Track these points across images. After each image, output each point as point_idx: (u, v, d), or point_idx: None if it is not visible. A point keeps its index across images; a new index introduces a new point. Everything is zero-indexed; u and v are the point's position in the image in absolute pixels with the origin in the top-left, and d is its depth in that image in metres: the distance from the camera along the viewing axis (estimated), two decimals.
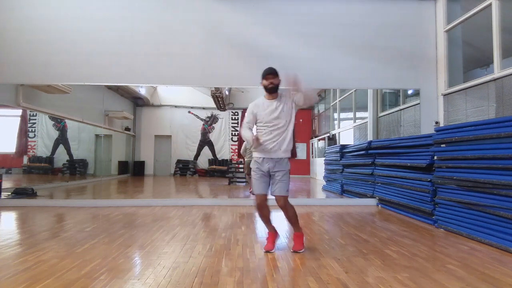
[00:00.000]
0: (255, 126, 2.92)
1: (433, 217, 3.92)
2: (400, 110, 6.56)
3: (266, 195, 2.86)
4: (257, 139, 2.75)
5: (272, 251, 2.82)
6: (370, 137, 7.52)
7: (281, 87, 2.86)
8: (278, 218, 4.38)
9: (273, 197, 2.84)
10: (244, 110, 13.73)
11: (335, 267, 2.40)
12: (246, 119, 2.93)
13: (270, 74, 2.81)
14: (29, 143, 9.99)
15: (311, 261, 2.55)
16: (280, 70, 5.52)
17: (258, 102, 2.89)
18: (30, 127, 9.98)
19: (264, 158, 2.81)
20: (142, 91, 12.87)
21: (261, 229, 3.70)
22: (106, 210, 4.89)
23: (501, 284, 2.12)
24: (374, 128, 7.63)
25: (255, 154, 2.87)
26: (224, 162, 13.66)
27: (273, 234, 2.95)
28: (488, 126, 3.28)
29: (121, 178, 11.91)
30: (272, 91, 2.83)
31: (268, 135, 2.79)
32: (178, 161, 13.75)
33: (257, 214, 2.99)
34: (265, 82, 2.82)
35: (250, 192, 7.31)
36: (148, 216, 4.39)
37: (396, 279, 2.18)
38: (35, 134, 10.11)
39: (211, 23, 5.52)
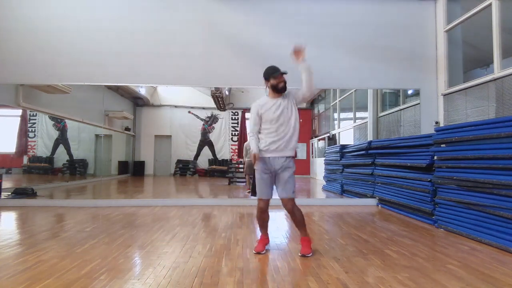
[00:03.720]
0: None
1: (433, 217, 3.92)
2: (400, 110, 6.56)
3: (269, 199, 2.80)
4: (255, 157, 2.70)
5: (263, 252, 2.77)
6: (370, 137, 7.52)
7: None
8: (279, 218, 4.38)
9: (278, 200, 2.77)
10: (244, 110, 13.78)
11: (335, 267, 2.40)
12: (252, 123, 2.81)
13: (280, 73, 2.74)
14: (29, 143, 9.98)
15: (311, 261, 2.55)
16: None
17: (261, 102, 2.80)
18: (30, 127, 9.97)
19: (270, 157, 2.73)
20: (142, 91, 12.87)
21: None
22: (106, 210, 4.89)
23: (501, 284, 2.12)
24: (374, 128, 7.63)
25: (262, 154, 2.76)
26: (224, 162, 13.66)
27: (266, 238, 2.90)
28: (488, 126, 3.28)
29: (121, 178, 11.91)
30: (283, 90, 2.76)
31: (274, 133, 2.72)
32: (178, 161, 13.76)
33: (256, 218, 2.93)
34: (274, 81, 2.73)
35: (248, 192, 7.33)
36: (148, 216, 4.39)
37: (396, 279, 2.18)
38: (35, 134, 10.11)
39: (211, 23, 5.51)
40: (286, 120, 2.73)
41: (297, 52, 2.77)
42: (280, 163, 2.72)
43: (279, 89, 2.75)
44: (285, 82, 2.77)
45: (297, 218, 2.77)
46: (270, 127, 2.74)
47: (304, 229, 2.80)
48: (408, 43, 5.60)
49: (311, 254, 2.73)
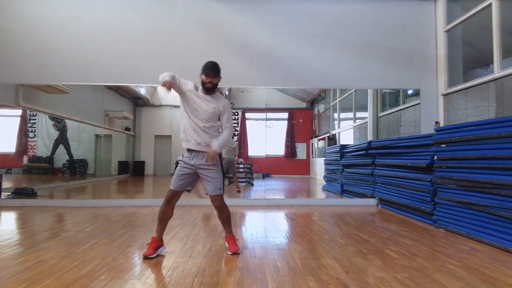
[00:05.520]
0: (182, 111, 2.73)
1: (433, 217, 3.92)
2: (400, 110, 6.56)
3: (178, 192, 2.70)
4: (169, 83, 2.48)
5: (151, 256, 2.58)
6: (370, 137, 7.51)
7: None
8: (279, 218, 4.38)
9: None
10: (244, 110, 13.79)
11: (335, 267, 2.40)
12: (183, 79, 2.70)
13: (211, 72, 2.63)
14: (29, 143, 9.98)
15: (311, 261, 2.54)
16: (280, 70, 5.47)
17: (197, 88, 2.71)
18: (30, 127, 9.97)
19: (190, 151, 2.66)
20: (142, 91, 12.87)
21: (261, 229, 3.70)
22: (106, 210, 4.89)
23: (501, 284, 2.12)
24: (374, 128, 7.63)
25: (184, 145, 2.68)
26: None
27: (158, 241, 2.71)
28: (488, 126, 3.27)
29: (121, 178, 11.91)
30: (209, 90, 2.67)
31: (192, 125, 2.64)
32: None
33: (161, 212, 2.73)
34: (203, 78, 2.64)
35: (237, 190, 7.47)
36: (148, 216, 4.39)
37: (396, 279, 2.18)
38: (35, 134, 10.10)
39: (211, 23, 5.52)
40: (205, 118, 2.64)
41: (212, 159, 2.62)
42: (200, 159, 2.64)
43: (204, 88, 2.66)
44: (214, 85, 2.66)
45: (223, 215, 2.79)
46: (190, 116, 2.65)
47: (229, 226, 2.84)
48: (408, 43, 5.61)
49: (239, 251, 2.73)
